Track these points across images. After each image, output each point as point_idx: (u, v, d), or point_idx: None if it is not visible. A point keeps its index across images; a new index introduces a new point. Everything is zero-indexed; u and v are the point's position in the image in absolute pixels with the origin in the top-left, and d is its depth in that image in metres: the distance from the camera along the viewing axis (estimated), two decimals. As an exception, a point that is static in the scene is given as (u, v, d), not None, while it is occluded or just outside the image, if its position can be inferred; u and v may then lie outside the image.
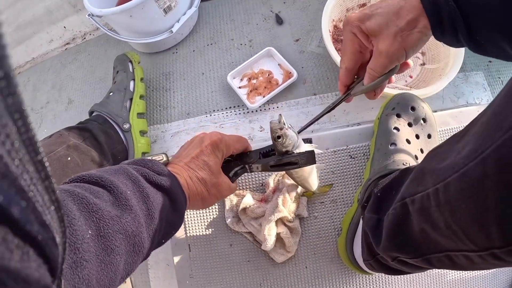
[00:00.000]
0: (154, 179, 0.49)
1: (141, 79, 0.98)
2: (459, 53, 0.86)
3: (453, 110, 0.89)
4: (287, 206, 0.78)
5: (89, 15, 0.90)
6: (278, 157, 0.63)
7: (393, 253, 0.57)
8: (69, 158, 0.74)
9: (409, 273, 0.65)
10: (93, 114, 0.90)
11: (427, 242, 0.49)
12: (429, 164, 0.50)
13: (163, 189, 0.49)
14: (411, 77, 0.96)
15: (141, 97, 0.96)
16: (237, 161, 0.68)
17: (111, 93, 0.92)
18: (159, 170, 0.51)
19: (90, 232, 0.38)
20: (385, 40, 0.54)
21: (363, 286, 0.83)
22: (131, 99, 0.93)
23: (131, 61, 0.98)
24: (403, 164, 0.71)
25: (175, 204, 0.51)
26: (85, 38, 1.22)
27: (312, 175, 0.72)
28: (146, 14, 0.91)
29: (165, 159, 0.60)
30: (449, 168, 0.43)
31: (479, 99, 0.93)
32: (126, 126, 0.89)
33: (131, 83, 0.95)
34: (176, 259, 0.87)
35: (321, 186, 0.83)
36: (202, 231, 0.86)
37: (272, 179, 0.83)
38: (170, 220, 0.51)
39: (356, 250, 0.76)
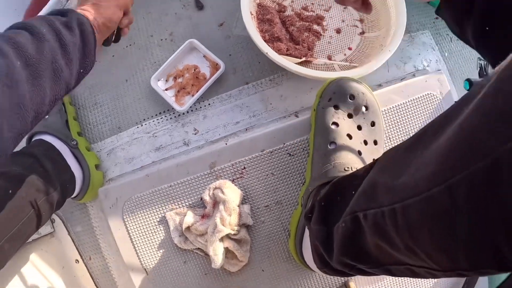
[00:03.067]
0: (65, 20, 0.58)
1: (70, 102, 0.95)
2: (401, 16, 0.80)
3: (398, 85, 0.83)
4: (226, 223, 0.77)
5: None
6: None
7: (349, 262, 0.55)
8: (10, 191, 0.71)
9: None
10: (33, 139, 0.87)
11: (384, 255, 0.48)
12: (382, 178, 0.48)
13: (71, 25, 0.58)
14: (350, 49, 0.89)
15: (74, 118, 0.93)
16: None
17: (46, 116, 0.88)
18: (65, 12, 0.60)
19: (19, 63, 0.49)
20: None
21: (322, 280, 0.84)
22: (66, 121, 0.90)
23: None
24: (345, 169, 0.67)
25: (85, 38, 0.60)
26: None
27: None
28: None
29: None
30: (407, 188, 0.40)
31: (427, 61, 0.87)
32: (74, 142, 0.88)
33: (62, 107, 0.91)
34: (137, 283, 0.88)
35: None
36: (154, 253, 0.87)
37: (207, 194, 0.81)
38: (83, 52, 0.61)
39: (306, 255, 0.75)
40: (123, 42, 0.98)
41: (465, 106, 0.35)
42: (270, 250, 0.83)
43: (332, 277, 0.84)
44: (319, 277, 0.84)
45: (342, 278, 0.84)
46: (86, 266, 0.99)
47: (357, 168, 0.64)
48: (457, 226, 0.34)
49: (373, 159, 0.61)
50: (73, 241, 0.98)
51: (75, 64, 0.59)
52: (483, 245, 0.33)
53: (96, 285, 0.99)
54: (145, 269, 0.87)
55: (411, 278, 0.84)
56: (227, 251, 0.79)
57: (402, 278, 0.84)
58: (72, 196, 0.90)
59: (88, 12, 0.64)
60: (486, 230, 0.32)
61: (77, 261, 0.99)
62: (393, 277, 0.83)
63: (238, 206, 0.80)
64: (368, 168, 0.54)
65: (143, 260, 0.86)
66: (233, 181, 0.82)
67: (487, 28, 0.48)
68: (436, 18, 0.91)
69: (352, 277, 0.83)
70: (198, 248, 0.83)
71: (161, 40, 0.96)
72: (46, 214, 0.83)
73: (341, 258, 0.55)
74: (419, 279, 0.85)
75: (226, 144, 0.83)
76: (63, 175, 0.84)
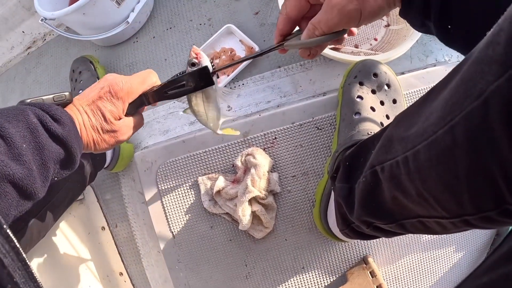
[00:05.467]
0: (53, 129, 0.52)
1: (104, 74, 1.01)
2: None
3: (420, 71, 0.91)
4: (256, 185, 0.83)
5: (42, 19, 0.92)
6: (169, 80, 0.64)
7: (368, 219, 0.60)
8: None
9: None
10: None
11: (399, 208, 0.51)
12: (397, 131, 0.52)
13: (59, 140, 0.53)
14: (375, 39, 0.97)
15: (108, 91, 1.00)
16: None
17: (80, 91, 0.96)
18: (58, 117, 0.54)
19: None
20: None
21: (341, 253, 0.89)
22: None
23: (91, 62, 1.01)
24: (368, 133, 0.75)
25: (69, 153, 0.55)
26: (45, 39, 1.25)
27: (210, 111, 0.69)
28: (99, 9, 0.93)
29: (68, 97, 0.58)
30: (417, 135, 0.44)
31: (448, 56, 0.95)
32: None
33: (97, 79, 0.99)
34: (163, 246, 0.94)
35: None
36: (182, 216, 0.92)
37: (239, 160, 0.88)
38: (64, 166, 0.55)
39: (330, 220, 0.81)
40: (163, 25, 1.08)
41: (466, 62, 0.40)
42: (294, 220, 0.89)
43: (351, 250, 0.89)
44: (340, 249, 0.89)
45: (361, 252, 0.89)
46: (111, 233, 1.04)
47: None
48: (458, 164, 0.37)
49: None
50: (101, 208, 1.04)
51: (50, 178, 0.54)
52: (483, 184, 0.36)
53: (119, 253, 1.04)
54: (172, 232, 0.92)
55: (429, 256, 0.89)
56: (253, 216, 0.85)
57: (420, 257, 0.89)
58: (104, 167, 0.96)
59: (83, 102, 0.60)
60: (484, 168, 0.35)
61: (103, 228, 1.04)
62: (410, 257, 0.89)
63: (268, 172, 0.86)
64: (386, 128, 0.59)
65: (172, 223, 0.92)
66: (264, 149, 0.89)
67: (449, 27, 0.50)
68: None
69: (370, 253, 0.89)
70: (226, 213, 0.89)
71: (200, 24, 1.06)
72: (80, 185, 0.90)
73: (361, 213, 0.60)
74: (437, 259, 0.90)
75: (259, 115, 0.91)
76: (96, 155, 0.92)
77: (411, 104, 0.53)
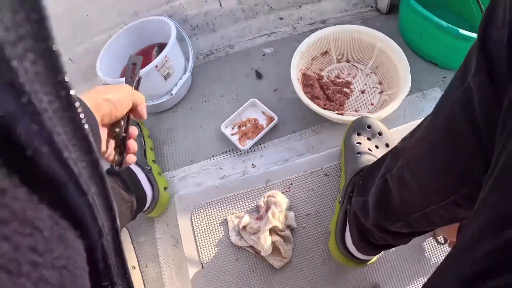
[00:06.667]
0: None
1: (148, 136, 1.24)
2: (407, 79, 1.11)
3: (409, 123, 1.14)
4: (276, 218, 1.00)
5: (103, 83, 1.17)
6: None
7: (380, 221, 0.75)
8: None
9: (396, 245, 0.84)
10: None
11: (406, 207, 0.66)
12: (401, 143, 0.71)
13: None
14: (372, 104, 1.22)
15: (151, 149, 1.21)
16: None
17: None
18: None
19: None
20: None
21: (354, 280, 1.01)
22: (144, 151, 1.17)
23: (138, 124, 1.24)
24: (369, 161, 0.94)
25: None
26: None
27: None
28: (150, 81, 1.18)
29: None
30: (416, 140, 0.62)
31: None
32: (148, 168, 1.14)
33: (142, 139, 1.20)
34: (192, 275, 1.06)
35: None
36: (212, 249, 1.07)
37: (262, 200, 1.06)
38: None
39: (347, 241, 0.95)
40: (199, 98, 1.33)
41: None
42: (309, 253, 1.04)
43: (363, 278, 1.02)
44: (352, 277, 1.02)
45: (373, 281, 1.01)
46: (141, 272, 1.17)
47: None
48: (440, 152, 0.55)
49: None
50: (134, 249, 1.18)
51: None
52: (461, 167, 0.52)
53: (147, 291, 1.16)
54: (201, 263, 1.06)
55: None
56: (273, 247, 1.00)
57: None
58: (143, 210, 1.14)
59: (91, 92, 0.63)
60: (462, 154, 0.51)
61: (134, 267, 1.17)
62: (418, 283, 1.01)
63: (285, 210, 1.04)
64: (392, 149, 0.79)
65: (202, 255, 1.06)
66: (282, 192, 1.08)
67: None
68: (445, 77, 1.25)
69: (380, 281, 1.02)
70: (250, 246, 1.04)
71: (229, 99, 1.31)
72: (126, 219, 1.07)
73: (375, 217, 0.77)
74: None
75: (278, 166, 1.11)
76: (138, 192, 1.10)
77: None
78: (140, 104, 0.72)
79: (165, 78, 1.22)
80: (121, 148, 0.69)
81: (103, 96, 0.62)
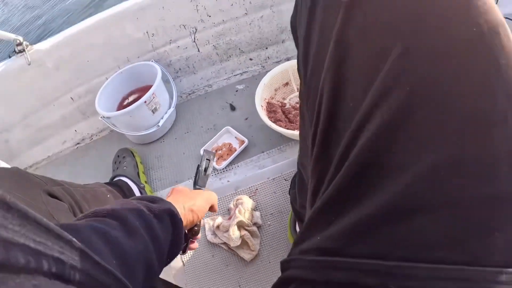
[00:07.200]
0: (154, 208, 0.60)
1: (140, 162, 1.46)
2: None
3: None
4: (242, 214, 1.20)
5: (101, 117, 1.40)
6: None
7: (303, 203, 0.88)
8: (108, 196, 1.16)
9: None
10: (115, 179, 1.35)
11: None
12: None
13: (161, 216, 0.60)
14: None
15: (143, 172, 1.43)
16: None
17: (125, 167, 1.38)
18: (156, 199, 0.65)
19: (114, 262, 0.45)
20: None
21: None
22: (138, 173, 1.39)
23: (131, 151, 1.46)
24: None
25: (175, 227, 0.62)
26: (92, 138, 1.74)
27: None
28: (140, 114, 1.42)
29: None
30: None
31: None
32: (142, 185, 1.36)
33: (136, 164, 1.43)
34: (174, 272, 1.24)
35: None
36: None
37: (232, 203, 1.26)
38: (173, 243, 0.62)
39: (298, 229, 1.12)
40: (182, 130, 1.56)
41: None
42: (275, 246, 1.21)
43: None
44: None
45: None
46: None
47: None
48: None
49: None
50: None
51: (164, 256, 0.59)
52: None
53: None
54: (182, 261, 1.24)
55: None
56: (242, 241, 1.18)
57: None
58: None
59: (177, 200, 0.71)
60: None
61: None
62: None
63: (252, 209, 1.23)
64: None
65: (183, 256, 1.25)
66: (249, 196, 1.28)
67: None
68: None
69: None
70: (224, 243, 1.22)
71: (208, 128, 1.55)
72: None
73: (301, 201, 0.93)
74: None
75: (245, 176, 1.32)
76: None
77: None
78: (215, 204, 0.91)
79: (153, 112, 1.46)
80: (186, 236, 0.82)
81: (187, 205, 0.74)
